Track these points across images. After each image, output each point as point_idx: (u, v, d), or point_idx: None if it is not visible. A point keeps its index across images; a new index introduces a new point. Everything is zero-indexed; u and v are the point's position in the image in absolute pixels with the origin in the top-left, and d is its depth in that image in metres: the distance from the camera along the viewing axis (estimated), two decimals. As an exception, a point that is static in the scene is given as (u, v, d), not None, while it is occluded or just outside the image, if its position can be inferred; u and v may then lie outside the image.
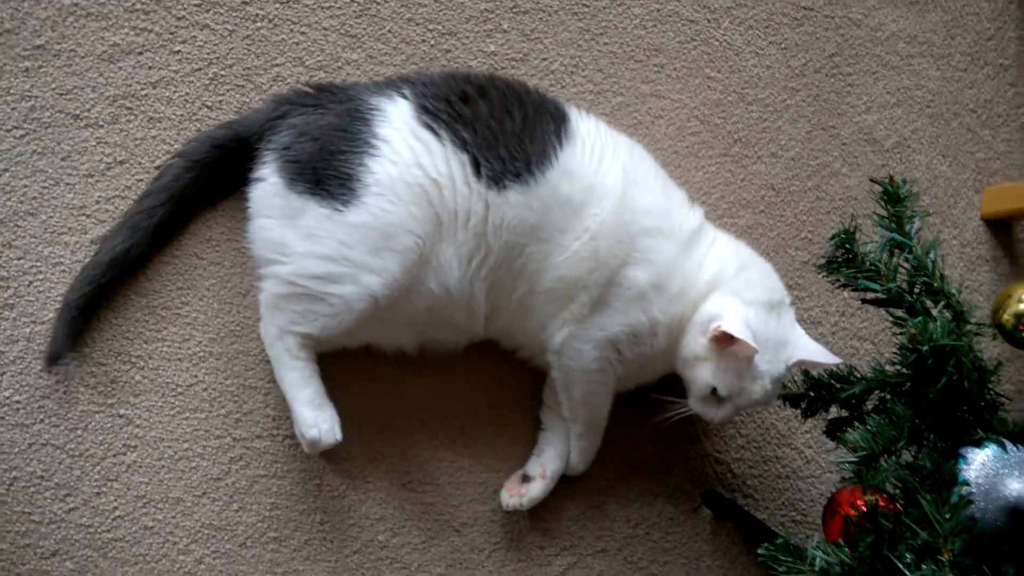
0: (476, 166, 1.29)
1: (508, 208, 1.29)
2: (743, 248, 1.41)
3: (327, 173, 1.27)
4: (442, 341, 1.44)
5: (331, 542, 1.46)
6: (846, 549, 0.99)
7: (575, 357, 1.36)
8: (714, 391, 1.31)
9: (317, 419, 1.34)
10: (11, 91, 1.40)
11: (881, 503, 1.03)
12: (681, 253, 1.34)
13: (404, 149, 1.28)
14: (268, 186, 1.31)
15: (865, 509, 0.99)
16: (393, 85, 1.34)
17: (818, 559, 0.99)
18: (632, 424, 1.52)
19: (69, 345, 1.37)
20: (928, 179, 1.66)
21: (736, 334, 1.24)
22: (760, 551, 1.08)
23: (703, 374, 1.31)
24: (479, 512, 1.50)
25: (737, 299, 1.30)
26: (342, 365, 1.44)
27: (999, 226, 1.70)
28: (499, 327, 1.42)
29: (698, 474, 1.56)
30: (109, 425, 1.41)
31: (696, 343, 1.31)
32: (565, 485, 1.51)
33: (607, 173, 1.33)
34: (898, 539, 0.95)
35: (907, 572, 0.89)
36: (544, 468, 1.47)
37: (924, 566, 0.90)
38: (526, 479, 1.47)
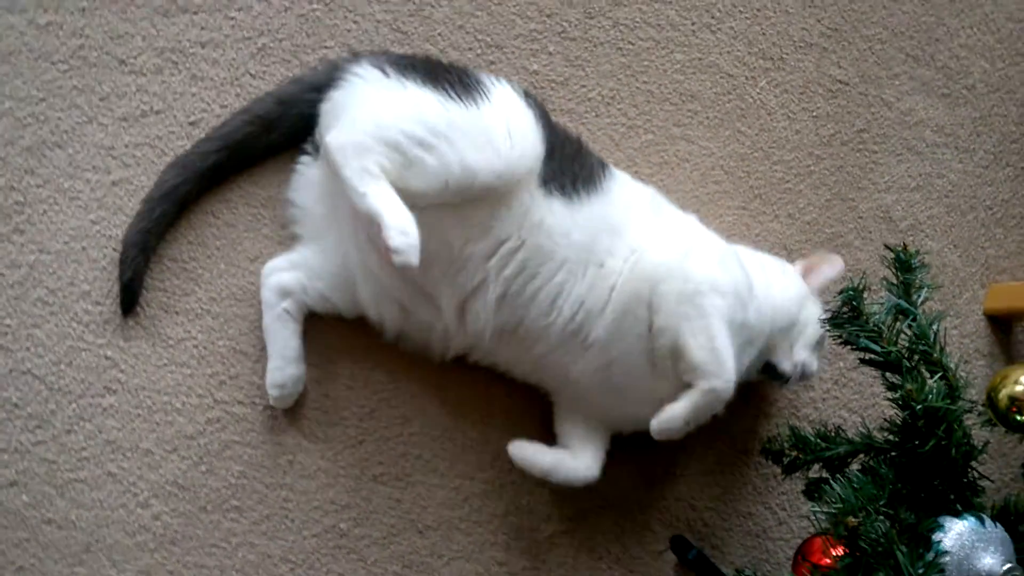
0: None
1: (550, 215, 1.31)
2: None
3: (443, 74, 1.30)
4: (419, 331, 1.40)
5: (291, 521, 1.43)
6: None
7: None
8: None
9: (401, 221, 1.19)
10: (64, 26, 1.43)
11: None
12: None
13: (513, 104, 1.31)
14: (364, 80, 1.32)
15: (847, 533, 0.97)
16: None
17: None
18: (609, 459, 1.51)
19: (138, 286, 1.40)
20: (937, 266, 1.68)
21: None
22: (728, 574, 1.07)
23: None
24: (446, 517, 1.48)
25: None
26: (343, 340, 1.45)
27: (1000, 323, 1.71)
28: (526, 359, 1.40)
29: (670, 518, 1.55)
30: (93, 364, 1.40)
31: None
32: (538, 508, 1.49)
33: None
34: (872, 570, 0.94)
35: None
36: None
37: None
38: None
